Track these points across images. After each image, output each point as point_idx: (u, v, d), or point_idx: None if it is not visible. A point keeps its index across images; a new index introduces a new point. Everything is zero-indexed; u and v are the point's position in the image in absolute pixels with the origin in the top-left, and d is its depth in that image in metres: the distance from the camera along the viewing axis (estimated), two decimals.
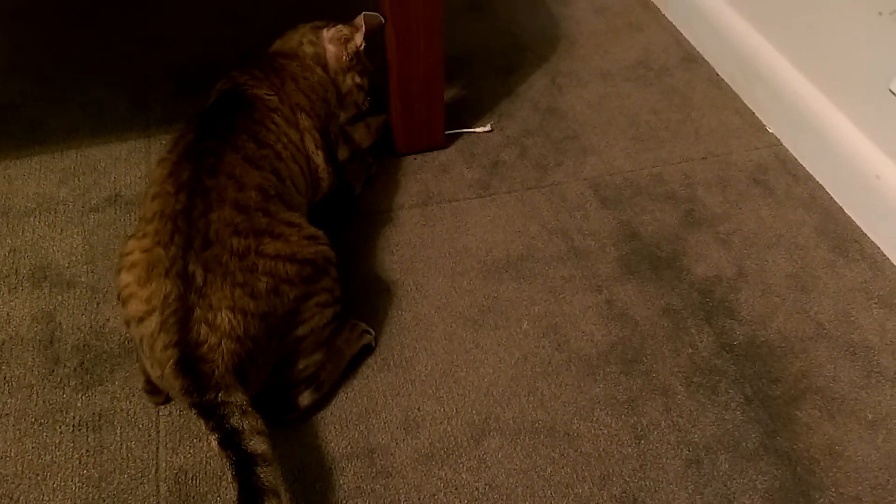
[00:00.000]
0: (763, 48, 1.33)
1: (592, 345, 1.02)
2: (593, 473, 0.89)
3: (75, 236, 1.15)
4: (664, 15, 1.59)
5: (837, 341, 1.02)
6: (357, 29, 1.16)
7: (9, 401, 0.96)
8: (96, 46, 1.51)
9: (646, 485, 0.88)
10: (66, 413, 0.95)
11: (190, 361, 0.81)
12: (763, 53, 1.33)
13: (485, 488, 0.88)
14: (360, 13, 1.16)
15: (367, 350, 1.00)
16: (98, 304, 1.06)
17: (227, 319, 0.82)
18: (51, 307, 1.06)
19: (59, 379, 0.98)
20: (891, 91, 1.08)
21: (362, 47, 1.16)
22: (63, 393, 0.97)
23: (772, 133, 1.33)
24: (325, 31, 1.16)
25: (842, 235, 1.16)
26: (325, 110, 1.11)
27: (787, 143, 1.30)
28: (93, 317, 1.04)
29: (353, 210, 1.19)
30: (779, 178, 1.25)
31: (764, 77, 1.33)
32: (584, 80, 1.44)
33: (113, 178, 1.25)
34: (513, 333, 1.03)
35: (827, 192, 1.22)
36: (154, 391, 0.93)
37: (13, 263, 1.12)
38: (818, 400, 0.96)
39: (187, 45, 1.51)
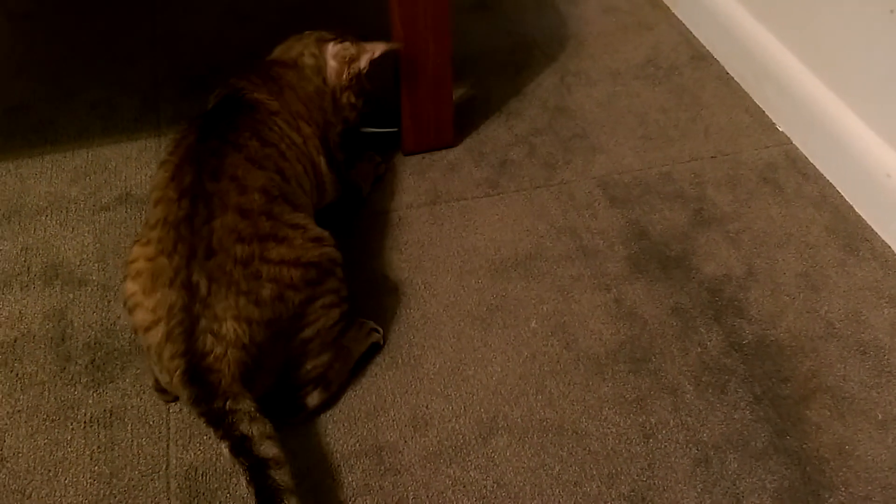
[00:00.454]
0: (773, 46, 1.33)
1: (601, 344, 1.02)
2: (601, 472, 0.89)
3: (86, 235, 1.16)
4: (674, 13, 1.59)
5: (848, 340, 1.02)
6: (365, 51, 1.13)
7: (21, 397, 0.97)
8: (106, 46, 1.52)
9: (654, 483, 0.88)
10: (78, 410, 0.95)
11: (197, 371, 0.81)
12: (773, 52, 1.32)
13: (493, 486, 0.88)
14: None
15: (376, 348, 1.00)
16: (109, 301, 1.07)
17: (232, 329, 0.82)
18: (62, 305, 1.07)
19: (70, 376, 0.99)
20: None
21: (365, 70, 1.14)
22: (74, 390, 0.97)
23: (782, 132, 1.32)
24: (330, 46, 1.13)
25: (852, 234, 1.15)
26: (323, 118, 1.10)
27: (798, 142, 1.30)
28: (104, 314, 1.05)
29: (361, 210, 1.20)
30: (789, 177, 1.24)
31: (774, 75, 1.32)
32: (592, 79, 1.44)
33: (124, 177, 1.25)
34: (521, 332, 1.03)
35: (837, 191, 1.21)
36: (164, 389, 0.94)
37: (25, 261, 1.13)
38: (828, 399, 0.96)
39: (196, 44, 1.52)
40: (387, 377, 0.98)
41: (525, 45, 1.52)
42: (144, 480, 0.89)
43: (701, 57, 1.48)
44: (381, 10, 1.21)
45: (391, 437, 0.93)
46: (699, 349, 1.01)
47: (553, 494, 0.87)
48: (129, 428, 0.93)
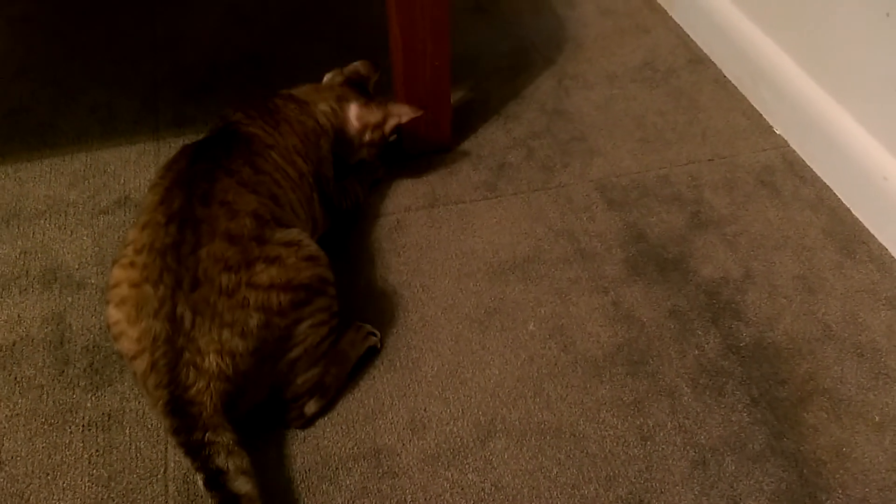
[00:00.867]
0: (770, 49, 1.33)
1: (599, 346, 1.02)
2: (599, 474, 0.89)
3: (85, 238, 1.16)
4: (671, 16, 1.59)
5: (845, 343, 1.02)
6: (392, 116, 1.14)
7: (20, 401, 0.97)
8: (105, 49, 1.52)
9: (652, 486, 0.88)
10: (76, 413, 0.95)
11: (179, 403, 0.82)
12: (770, 55, 1.33)
13: (491, 489, 0.88)
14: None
15: (373, 351, 1.01)
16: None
17: (214, 363, 0.82)
18: (61, 308, 1.07)
19: (69, 379, 0.99)
20: None
21: (389, 134, 1.15)
22: (73, 393, 0.97)
23: (779, 134, 1.33)
24: (353, 106, 1.13)
25: (849, 237, 1.15)
26: (317, 155, 1.09)
27: (795, 145, 1.30)
28: (102, 318, 1.05)
29: (359, 213, 1.20)
30: (786, 180, 1.25)
31: (771, 78, 1.33)
32: (590, 82, 1.44)
33: (122, 181, 1.26)
34: (519, 335, 1.03)
35: (834, 194, 1.22)
36: None
37: (24, 265, 1.13)
38: (825, 402, 0.96)
39: (196, 46, 1.52)
40: (385, 380, 0.98)
41: (523, 49, 1.52)
42: (143, 484, 0.89)
43: (698, 60, 1.48)
44: (379, 14, 1.22)
45: (389, 440, 0.93)
46: (697, 352, 1.01)
47: (551, 497, 0.88)
48: (127, 431, 0.94)
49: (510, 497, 0.88)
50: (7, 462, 0.91)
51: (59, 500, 0.88)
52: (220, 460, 0.80)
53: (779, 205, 1.21)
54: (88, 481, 0.89)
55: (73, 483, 0.89)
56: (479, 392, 0.97)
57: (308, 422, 0.93)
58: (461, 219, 1.19)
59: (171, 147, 1.31)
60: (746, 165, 1.27)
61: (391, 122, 1.15)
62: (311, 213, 1.04)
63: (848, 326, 1.04)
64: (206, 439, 0.81)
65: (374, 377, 0.99)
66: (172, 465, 0.90)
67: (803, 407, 0.95)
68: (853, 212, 1.19)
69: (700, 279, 1.10)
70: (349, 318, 1.01)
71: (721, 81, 1.44)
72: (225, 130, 1.02)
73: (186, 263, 0.84)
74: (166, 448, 0.92)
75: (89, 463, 0.91)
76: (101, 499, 0.88)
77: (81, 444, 0.92)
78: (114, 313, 0.86)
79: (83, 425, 0.94)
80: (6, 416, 0.95)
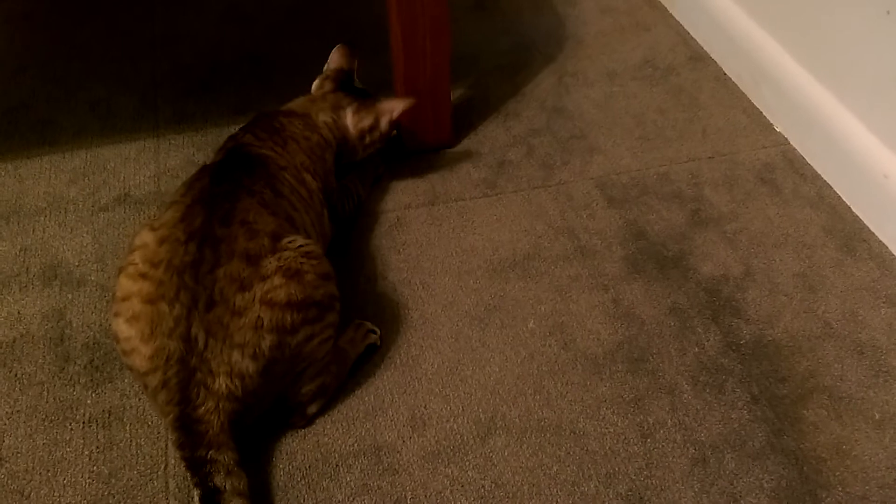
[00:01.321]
0: (770, 47, 1.33)
1: (599, 344, 1.02)
2: (599, 472, 0.89)
3: (85, 235, 1.16)
4: (671, 14, 1.59)
5: (845, 340, 1.02)
6: (384, 113, 1.15)
7: (20, 398, 0.97)
8: (105, 46, 1.52)
9: (652, 483, 0.88)
10: (77, 410, 0.95)
11: (188, 420, 0.83)
12: (770, 52, 1.33)
13: (491, 486, 0.88)
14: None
15: (373, 348, 1.01)
16: (108, 302, 1.07)
17: (224, 385, 0.83)
18: (61, 305, 1.07)
19: (69, 376, 0.99)
20: None
21: (387, 130, 1.16)
22: (73, 390, 0.97)
23: (779, 132, 1.33)
24: (349, 114, 1.14)
25: (849, 234, 1.15)
26: (324, 169, 1.10)
27: (795, 143, 1.30)
28: (103, 315, 1.05)
29: (360, 211, 1.20)
30: (786, 178, 1.25)
31: (771, 76, 1.33)
32: (590, 80, 1.44)
33: (122, 178, 1.26)
34: (519, 332, 1.03)
35: (834, 191, 1.22)
36: None
37: (24, 262, 1.13)
38: (825, 399, 0.96)
39: (195, 44, 1.52)
40: (385, 377, 0.99)
41: (523, 46, 1.52)
42: (143, 480, 0.89)
43: (698, 57, 1.48)
44: (379, 12, 1.22)
45: (389, 436, 0.93)
46: (697, 349, 1.01)
47: (551, 494, 0.88)
48: (127, 428, 0.94)
49: (510, 494, 0.88)
50: (8, 458, 0.91)
51: (59, 496, 0.88)
52: (219, 479, 0.80)
53: (779, 202, 1.21)
54: (89, 478, 0.89)
55: (73, 479, 0.89)
56: (480, 389, 0.97)
57: (309, 421, 0.94)
58: (461, 216, 1.19)
59: (170, 144, 1.31)
60: (747, 163, 1.27)
61: (384, 120, 1.16)
62: (322, 230, 1.05)
63: (848, 324, 1.04)
64: (208, 457, 0.82)
65: (374, 374, 0.99)
66: (173, 461, 0.90)
67: (803, 404, 0.95)
68: (853, 209, 1.19)
69: (700, 277, 1.10)
70: (349, 316, 1.01)
71: (721, 79, 1.43)
72: (237, 152, 1.02)
73: (204, 282, 0.85)
74: (166, 445, 0.92)
75: (90, 459, 0.91)
76: (102, 495, 0.88)
77: (82, 441, 0.92)
78: (124, 329, 0.86)
79: (83, 422, 0.94)
80: (7, 412, 0.95)
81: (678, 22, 1.57)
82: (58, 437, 0.93)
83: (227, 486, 0.81)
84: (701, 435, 0.93)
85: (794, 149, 1.29)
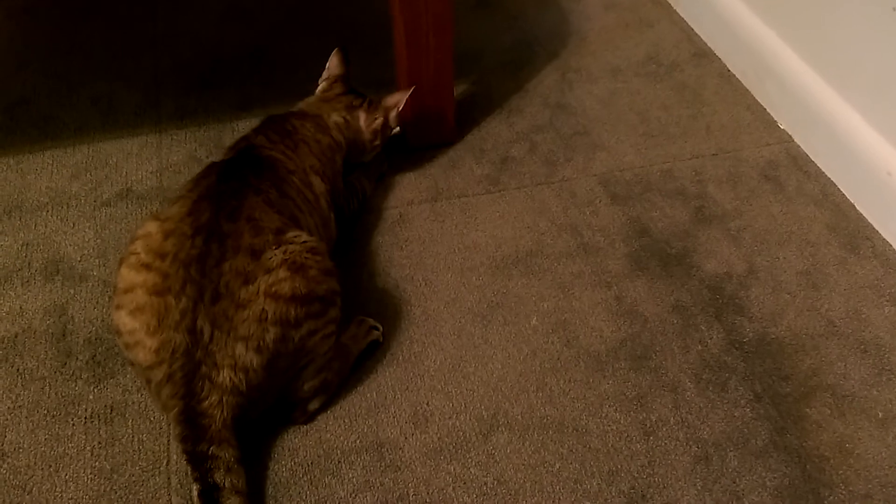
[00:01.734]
0: (774, 44, 1.32)
1: (601, 341, 1.02)
2: (601, 469, 0.89)
3: (87, 230, 1.16)
4: (675, 10, 1.58)
5: (848, 339, 1.02)
6: (390, 108, 1.16)
7: (22, 393, 0.97)
8: (107, 42, 1.52)
9: (654, 481, 0.88)
10: (79, 405, 0.95)
11: (192, 414, 0.83)
12: (775, 49, 1.32)
13: (493, 483, 0.88)
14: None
15: (375, 345, 1.00)
16: (110, 297, 1.06)
17: (228, 377, 0.83)
18: (63, 300, 1.07)
19: (71, 372, 0.99)
20: None
21: (395, 123, 1.18)
22: (75, 385, 0.97)
23: (783, 129, 1.32)
24: (362, 116, 1.15)
25: (853, 232, 1.15)
26: (332, 170, 1.10)
27: (799, 140, 1.30)
28: (105, 310, 1.05)
29: (364, 209, 1.19)
30: (790, 175, 1.24)
31: (775, 73, 1.32)
32: (594, 76, 1.43)
33: (124, 173, 1.25)
34: (522, 329, 1.03)
35: (838, 189, 1.21)
36: None
37: (26, 257, 1.13)
38: (828, 397, 0.96)
39: (197, 39, 1.52)
40: (387, 374, 0.98)
41: (526, 42, 1.52)
42: (145, 476, 0.89)
43: (702, 54, 1.48)
44: (381, 8, 1.21)
45: (392, 433, 0.93)
46: (700, 347, 1.01)
47: (553, 491, 0.88)
48: (129, 424, 0.94)
49: (512, 491, 0.88)
50: (10, 454, 0.91)
51: (61, 491, 0.88)
52: (219, 476, 0.81)
53: (783, 200, 1.20)
54: (91, 473, 0.89)
55: (75, 475, 0.89)
56: (482, 386, 0.97)
57: (310, 417, 0.94)
58: (464, 213, 1.19)
59: (172, 139, 1.31)
60: (750, 160, 1.27)
61: (393, 115, 1.17)
62: (328, 234, 1.05)
63: (851, 322, 1.03)
64: (210, 452, 0.82)
65: (376, 371, 0.99)
66: (174, 457, 0.90)
67: (806, 403, 0.95)
68: (857, 207, 1.18)
69: (703, 274, 1.10)
70: (351, 312, 1.01)
71: (725, 76, 1.43)
72: (248, 152, 1.02)
73: (210, 276, 0.85)
74: (168, 440, 0.92)
75: (92, 455, 0.91)
76: (104, 491, 0.88)
77: (84, 437, 0.92)
78: (128, 321, 0.86)
79: (85, 417, 0.94)
80: (9, 407, 0.95)
81: (682, 18, 1.56)
82: (60, 432, 0.93)
83: (227, 484, 0.81)
84: (704, 433, 0.92)
85: (798, 146, 1.29)
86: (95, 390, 0.97)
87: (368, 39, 1.48)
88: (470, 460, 0.90)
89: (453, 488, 0.88)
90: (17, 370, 0.99)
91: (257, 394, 0.86)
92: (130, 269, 0.88)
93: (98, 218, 1.18)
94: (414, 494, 0.87)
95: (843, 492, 0.87)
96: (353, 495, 0.87)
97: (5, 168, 1.26)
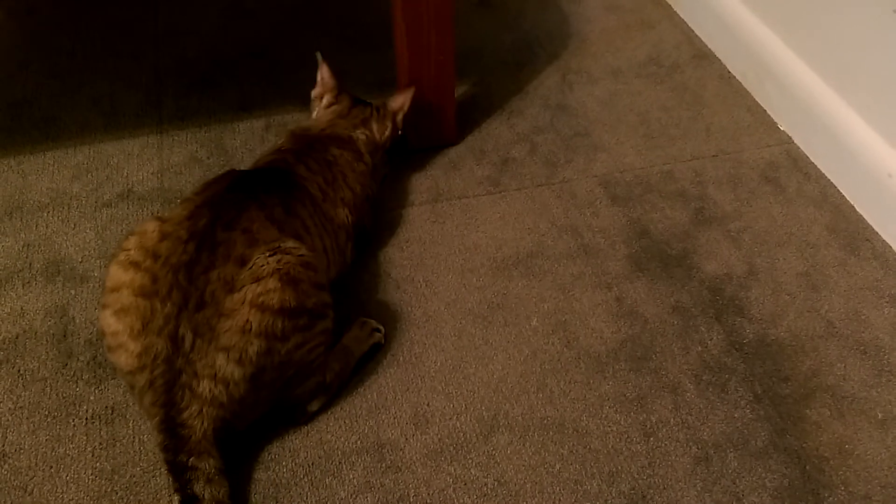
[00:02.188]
0: (775, 45, 1.33)
1: (602, 342, 1.02)
2: (602, 470, 0.89)
3: (88, 231, 1.16)
4: (676, 12, 1.59)
5: (848, 340, 1.02)
6: (398, 112, 1.16)
7: (23, 394, 0.97)
8: (108, 42, 1.52)
9: (654, 482, 0.88)
10: (80, 406, 0.96)
11: (172, 423, 0.82)
12: (775, 51, 1.32)
13: (494, 484, 0.88)
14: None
15: (377, 346, 1.01)
16: None
17: (208, 388, 0.83)
18: (64, 301, 1.07)
19: (72, 372, 0.99)
20: None
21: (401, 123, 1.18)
22: (76, 386, 0.98)
23: (783, 131, 1.32)
24: (374, 126, 1.15)
25: (853, 234, 1.15)
26: (365, 193, 1.10)
27: (799, 141, 1.30)
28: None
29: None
30: (790, 176, 1.24)
31: (776, 75, 1.32)
32: (594, 77, 1.44)
33: (125, 174, 1.25)
34: (522, 330, 1.03)
35: (838, 191, 1.21)
36: None
37: (27, 258, 1.13)
38: (828, 398, 0.96)
39: (198, 40, 1.52)
40: (388, 375, 0.98)
41: (527, 43, 1.52)
42: (146, 477, 0.89)
43: (703, 55, 1.48)
44: (382, 7, 1.21)
45: (392, 434, 0.93)
46: (700, 348, 1.01)
47: (553, 492, 0.88)
48: (130, 424, 0.94)
49: (513, 492, 0.88)
50: (11, 454, 0.91)
51: (62, 492, 0.88)
52: (198, 488, 0.80)
53: (783, 201, 1.20)
54: (92, 474, 0.89)
55: (76, 476, 0.89)
56: (482, 387, 0.97)
57: (310, 418, 0.94)
58: (464, 214, 1.19)
59: (173, 140, 1.31)
60: (750, 162, 1.27)
61: (399, 117, 1.17)
62: (343, 259, 1.04)
63: (851, 323, 1.03)
64: (189, 463, 0.81)
65: (377, 372, 0.99)
66: None
67: (806, 404, 0.95)
68: (857, 209, 1.18)
69: (703, 275, 1.10)
70: (351, 313, 1.01)
71: (726, 77, 1.43)
72: (278, 170, 1.01)
73: (196, 283, 0.84)
74: None
75: (92, 456, 0.91)
76: (105, 491, 0.88)
77: (85, 437, 0.93)
78: (112, 322, 0.85)
79: (86, 418, 0.94)
80: (10, 408, 0.95)
81: (683, 20, 1.56)
82: (60, 433, 0.93)
83: (206, 495, 0.80)
84: (704, 434, 0.93)
85: (798, 147, 1.29)
86: (96, 391, 0.97)
87: (369, 39, 1.48)
88: (470, 461, 0.90)
89: (454, 489, 0.88)
90: (18, 371, 0.99)
91: (240, 407, 0.85)
92: (119, 266, 0.87)
93: (99, 219, 1.18)
94: (414, 495, 0.88)
95: (843, 493, 0.87)
96: (354, 496, 0.88)
97: (6, 169, 1.27)
